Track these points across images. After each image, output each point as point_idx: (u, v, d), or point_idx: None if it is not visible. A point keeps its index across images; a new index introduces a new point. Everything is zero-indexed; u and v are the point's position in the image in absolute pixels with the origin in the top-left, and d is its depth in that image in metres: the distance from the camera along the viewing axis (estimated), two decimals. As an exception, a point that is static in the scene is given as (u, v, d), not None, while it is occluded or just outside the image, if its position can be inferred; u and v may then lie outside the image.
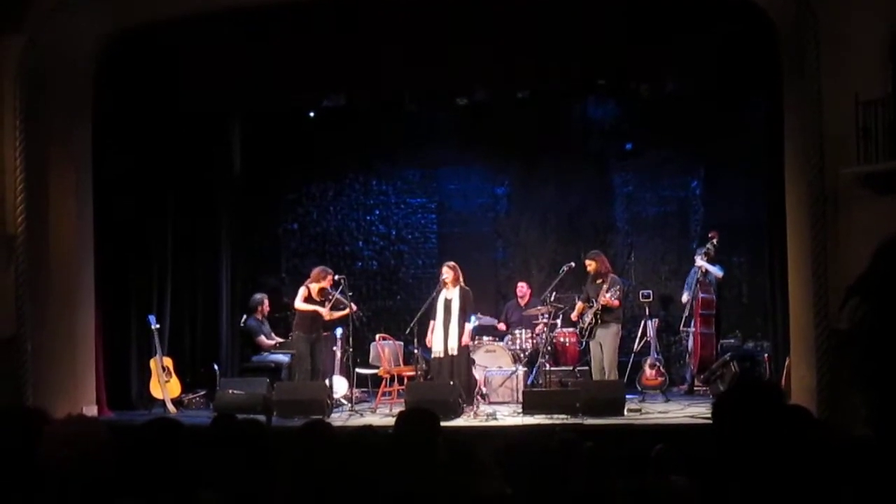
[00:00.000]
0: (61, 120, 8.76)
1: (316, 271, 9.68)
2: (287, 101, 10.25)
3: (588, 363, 9.66)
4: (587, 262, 9.58)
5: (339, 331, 9.95)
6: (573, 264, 9.77)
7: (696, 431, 7.25)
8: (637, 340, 10.28)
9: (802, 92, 7.58)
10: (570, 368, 9.85)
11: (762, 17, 7.96)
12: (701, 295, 9.87)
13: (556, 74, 9.26)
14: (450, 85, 9.88)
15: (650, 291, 10.56)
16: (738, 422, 2.00)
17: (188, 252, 10.61)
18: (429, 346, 9.36)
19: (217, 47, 9.06)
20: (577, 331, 9.82)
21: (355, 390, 9.66)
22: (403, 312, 11.28)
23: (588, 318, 9.34)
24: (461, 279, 9.38)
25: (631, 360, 10.15)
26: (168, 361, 9.55)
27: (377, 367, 10.03)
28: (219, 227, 11.13)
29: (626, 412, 8.41)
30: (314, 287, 9.55)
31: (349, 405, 9.24)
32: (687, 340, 10.26)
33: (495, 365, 9.84)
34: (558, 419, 8.17)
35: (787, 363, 8.32)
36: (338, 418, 8.66)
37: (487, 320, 10.63)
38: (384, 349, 10.00)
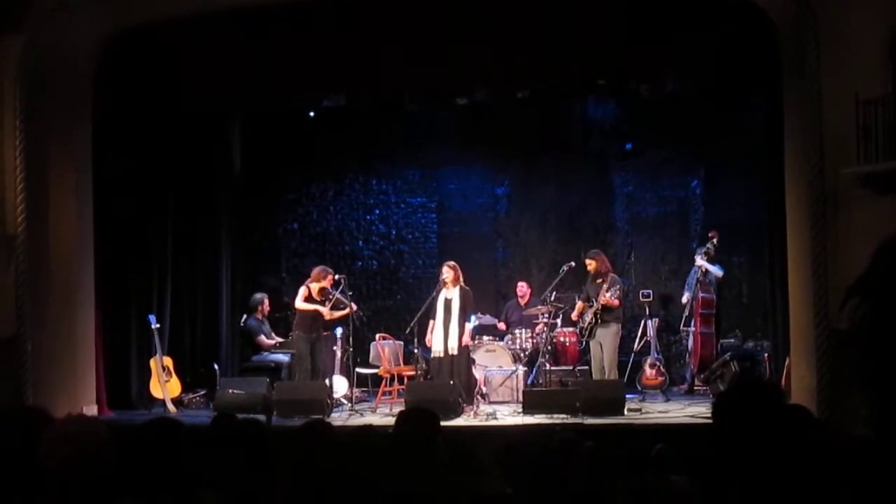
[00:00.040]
0: (61, 120, 8.75)
1: (316, 271, 9.69)
2: (287, 101, 10.25)
3: (588, 363, 9.65)
4: (587, 261, 9.58)
5: (339, 330, 9.95)
6: (573, 264, 9.77)
7: (696, 431, 7.26)
8: (637, 340, 10.28)
9: (802, 92, 7.57)
10: (570, 368, 9.85)
11: (762, 17, 7.95)
12: (701, 294, 9.87)
13: (556, 74, 9.26)
14: (450, 85, 9.88)
15: (650, 291, 10.57)
16: (738, 421, 2.00)
17: (188, 252, 10.60)
18: (429, 345, 9.36)
19: (217, 47, 9.06)
20: (577, 330, 9.82)
21: (355, 390, 9.67)
22: (403, 312, 11.29)
23: (588, 317, 9.34)
24: (461, 279, 9.38)
25: (631, 359, 10.15)
26: (168, 361, 9.55)
27: (377, 367, 10.03)
28: (219, 227, 11.12)
29: (626, 412, 8.41)
30: (314, 287, 9.56)
31: (349, 405, 9.24)
32: (687, 340, 10.26)
33: (495, 364, 9.84)
34: (558, 419, 8.17)
35: (787, 363, 8.32)
36: (338, 418, 8.66)
37: (487, 320, 10.62)
38: (384, 349, 10.00)
